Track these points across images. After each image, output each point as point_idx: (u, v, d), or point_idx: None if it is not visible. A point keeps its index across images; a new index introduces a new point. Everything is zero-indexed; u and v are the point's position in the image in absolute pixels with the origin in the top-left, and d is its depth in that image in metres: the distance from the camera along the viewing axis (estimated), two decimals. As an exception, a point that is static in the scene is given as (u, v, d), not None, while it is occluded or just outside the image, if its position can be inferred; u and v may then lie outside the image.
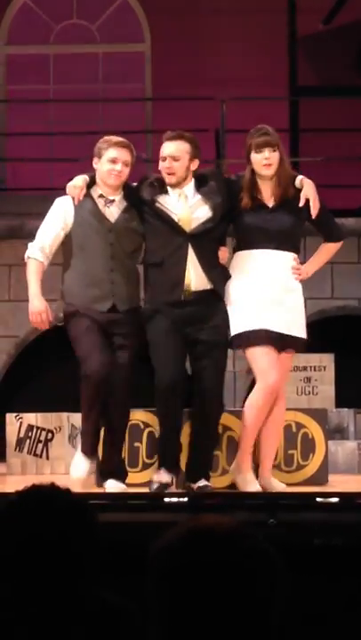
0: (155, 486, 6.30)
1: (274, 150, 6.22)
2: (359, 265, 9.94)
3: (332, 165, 11.24)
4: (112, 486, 6.31)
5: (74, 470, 6.30)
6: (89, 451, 6.31)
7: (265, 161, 6.20)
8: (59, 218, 6.32)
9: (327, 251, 6.54)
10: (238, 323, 6.25)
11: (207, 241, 6.29)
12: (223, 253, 6.40)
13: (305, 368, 8.35)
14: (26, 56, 12.84)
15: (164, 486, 6.27)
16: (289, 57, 11.75)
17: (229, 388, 8.15)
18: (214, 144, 10.59)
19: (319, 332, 9.28)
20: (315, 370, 8.41)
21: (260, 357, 6.23)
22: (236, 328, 6.25)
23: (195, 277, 6.25)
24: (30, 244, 6.30)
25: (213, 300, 6.31)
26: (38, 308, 6.21)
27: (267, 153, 6.20)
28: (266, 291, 6.22)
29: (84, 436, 6.38)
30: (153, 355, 6.32)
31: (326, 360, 8.50)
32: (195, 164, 6.31)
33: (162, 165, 6.28)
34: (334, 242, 6.51)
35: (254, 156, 6.21)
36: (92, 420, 6.30)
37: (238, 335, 6.25)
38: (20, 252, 6.44)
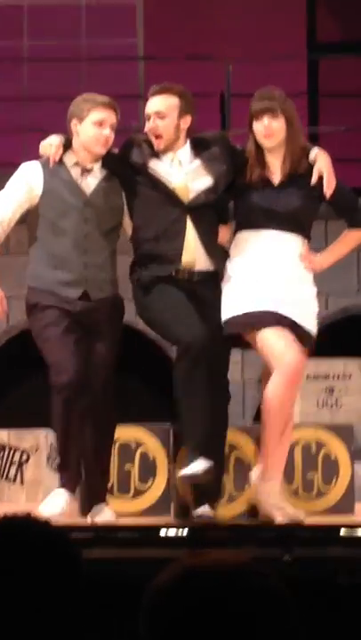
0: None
1: (276, 117, 6.19)
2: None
3: (357, 135, 11.26)
4: (100, 516, 6.32)
5: (46, 505, 6.24)
6: (69, 484, 6.30)
7: (265, 130, 6.19)
8: (23, 186, 6.31)
9: (349, 239, 6.53)
10: (238, 305, 6.21)
11: (208, 213, 6.32)
12: (224, 233, 6.42)
13: (327, 377, 8.37)
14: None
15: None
16: (307, 9, 11.78)
17: (237, 399, 8.16)
18: (219, 111, 10.62)
19: (343, 333, 9.33)
20: (338, 378, 8.44)
21: (272, 338, 6.17)
22: (235, 310, 6.22)
23: (194, 256, 6.25)
24: None
25: (212, 280, 6.32)
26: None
27: (266, 120, 6.18)
28: (269, 273, 6.21)
29: (62, 466, 6.38)
30: (162, 320, 6.31)
31: (352, 367, 8.53)
32: (186, 122, 6.30)
33: (147, 126, 6.27)
34: (357, 228, 6.50)
35: (255, 125, 6.22)
36: (68, 444, 6.28)
37: (238, 317, 6.21)
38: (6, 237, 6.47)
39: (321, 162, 6.27)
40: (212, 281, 6.32)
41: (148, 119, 6.26)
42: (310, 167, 6.28)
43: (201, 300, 6.26)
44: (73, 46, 12.63)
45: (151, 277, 6.27)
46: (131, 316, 6.56)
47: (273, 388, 6.15)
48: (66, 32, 12.71)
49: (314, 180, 6.25)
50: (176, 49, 11.49)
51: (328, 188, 6.26)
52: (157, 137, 6.24)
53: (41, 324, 6.25)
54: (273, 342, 6.17)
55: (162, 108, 6.24)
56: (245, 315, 6.20)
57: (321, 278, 6.43)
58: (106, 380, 6.25)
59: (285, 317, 6.15)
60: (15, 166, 6.48)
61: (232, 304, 6.23)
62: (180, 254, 6.23)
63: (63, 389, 6.11)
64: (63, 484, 6.28)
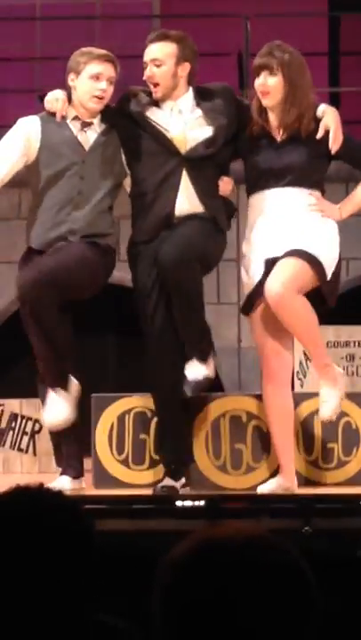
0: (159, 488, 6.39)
1: (273, 74, 6.16)
2: None
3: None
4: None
5: (49, 414, 6.31)
6: (57, 382, 6.31)
7: (260, 87, 6.18)
8: (21, 140, 6.31)
9: None
10: (248, 283, 6.36)
11: (206, 167, 6.30)
12: (226, 184, 6.41)
13: (347, 343, 8.36)
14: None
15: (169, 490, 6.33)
16: None
17: (251, 366, 8.15)
18: (237, 70, 10.60)
19: (359, 298, 9.33)
20: (359, 346, 8.43)
21: (256, 326, 6.38)
22: (245, 289, 6.39)
23: (187, 206, 6.23)
24: None
25: (207, 223, 6.29)
26: None
27: (262, 78, 6.17)
28: (274, 236, 6.23)
29: (46, 369, 6.38)
30: (140, 307, 6.34)
31: (373, 334, 8.53)
32: (184, 69, 6.28)
33: (145, 74, 6.26)
34: None
35: (255, 82, 6.21)
36: (44, 348, 6.31)
37: (249, 297, 6.36)
38: (1, 202, 6.47)
39: (328, 117, 6.26)
40: (204, 222, 6.31)
41: (146, 67, 6.24)
42: (316, 125, 6.26)
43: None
44: (87, 5, 12.61)
45: (137, 248, 6.36)
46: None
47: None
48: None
49: (320, 134, 6.23)
50: (192, 6, 11.45)
51: (334, 143, 6.25)
52: (155, 85, 6.23)
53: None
54: (257, 333, 6.40)
55: (158, 55, 6.24)
56: (248, 294, 6.35)
57: (341, 244, 6.42)
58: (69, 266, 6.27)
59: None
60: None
61: (247, 282, 6.38)
62: (173, 209, 6.23)
63: (24, 294, 6.23)
64: (51, 384, 6.31)
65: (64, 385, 6.26)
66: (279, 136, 6.25)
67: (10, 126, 6.47)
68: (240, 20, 10.36)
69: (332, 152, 6.28)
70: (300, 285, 6.14)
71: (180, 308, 6.23)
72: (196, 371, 6.22)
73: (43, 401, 6.36)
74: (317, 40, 10.99)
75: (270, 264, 6.19)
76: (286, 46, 6.28)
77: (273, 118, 6.25)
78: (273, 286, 6.12)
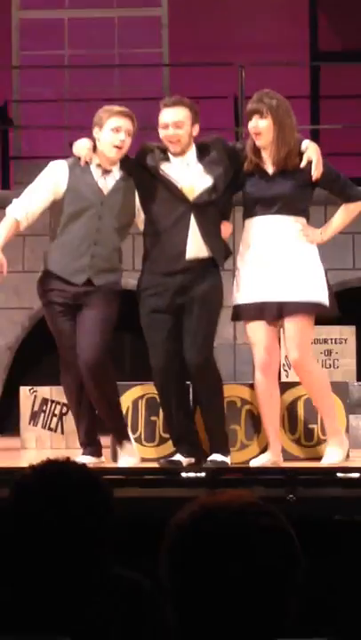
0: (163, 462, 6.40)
1: (263, 117, 6.14)
2: (381, 235, 9.93)
3: (354, 133, 11.21)
4: (126, 460, 6.37)
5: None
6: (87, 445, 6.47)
7: (253, 129, 6.16)
8: (50, 182, 6.30)
9: (345, 212, 6.45)
10: (236, 295, 6.32)
11: (210, 211, 6.27)
12: (227, 229, 6.40)
13: (325, 341, 8.36)
14: (39, 21, 12.82)
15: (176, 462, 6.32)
16: (310, 21, 11.70)
17: (246, 360, 8.13)
18: (233, 111, 10.58)
19: (341, 303, 9.30)
20: (336, 342, 8.42)
21: (251, 333, 6.33)
22: (234, 300, 6.34)
23: (194, 246, 6.23)
24: (15, 200, 6.29)
25: (209, 268, 6.30)
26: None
27: (254, 121, 6.16)
28: (264, 257, 6.21)
29: (79, 432, 6.54)
30: (146, 337, 6.35)
31: (347, 332, 8.51)
32: (196, 130, 6.28)
33: (165, 133, 6.24)
34: (353, 202, 6.43)
35: (249, 125, 6.21)
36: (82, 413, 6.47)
37: (235, 307, 6.34)
38: (35, 222, 6.45)
39: (310, 151, 6.25)
40: (207, 265, 6.31)
41: (166, 127, 6.21)
42: (300, 156, 6.25)
43: (191, 289, 6.29)
44: (107, 55, 12.59)
45: (149, 280, 6.35)
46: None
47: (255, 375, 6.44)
48: (101, 43, 12.67)
49: (303, 164, 6.21)
50: (195, 57, 11.43)
51: (316, 171, 6.22)
52: (175, 143, 6.21)
53: (49, 314, 6.41)
54: (251, 337, 6.37)
55: (180, 117, 6.21)
56: (241, 305, 6.31)
57: (322, 257, 6.40)
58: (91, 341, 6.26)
59: (270, 302, 6.21)
60: (57, 158, 6.47)
61: (234, 295, 6.35)
62: (185, 247, 6.21)
63: (70, 370, 6.40)
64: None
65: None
66: (270, 169, 6.23)
67: (40, 157, 6.47)
68: (236, 68, 10.34)
69: (314, 180, 6.26)
70: (311, 336, 6.32)
71: (205, 394, 6.46)
72: (218, 460, 6.28)
73: None
74: (301, 86, 10.98)
75: (264, 307, 6.22)
76: (274, 93, 6.27)
77: (265, 155, 6.23)
78: (292, 354, 6.31)
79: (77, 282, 6.23)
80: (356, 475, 5.76)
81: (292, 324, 6.22)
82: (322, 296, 6.29)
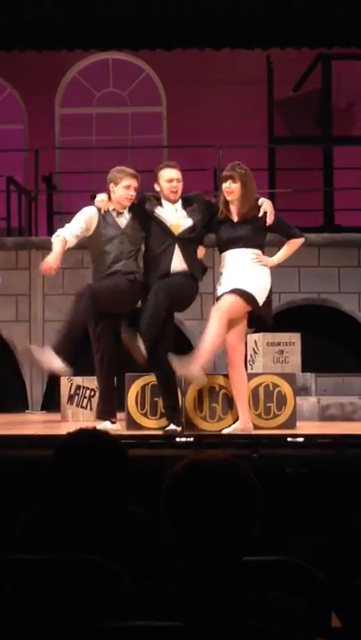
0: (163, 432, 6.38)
1: (234, 182, 6.19)
2: (318, 268, 9.91)
3: (299, 195, 11.23)
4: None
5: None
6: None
7: (227, 189, 6.21)
8: (86, 218, 6.30)
9: (289, 246, 6.47)
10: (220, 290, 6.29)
11: (189, 243, 6.27)
12: (201, 251, 6.44)
13: (279, 344, 8.34)
14: (75, 115, 12.84)
15: (171, 433, 6.31)
16: (268, 115, 11.71)
17: (222, 356, 8.11)
18: (213, 179, 10.58)
19: (289, 317, 9.30)
20: (286, 345, 8.40)
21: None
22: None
23: (176, 267, 6.24)
24: (61, 229, 6.32)
25: (189, 277, 6.29)
26: (55, 264, 6.17)
27: (228, 184, 6.19)
28: (234, 273, 6.22)
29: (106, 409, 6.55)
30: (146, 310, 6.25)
31: (295, 337, 8.49)
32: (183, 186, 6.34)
33: (170, 186, 6.23)
34: (293, 238, 6.45)
35: (223, 186, 6.24)
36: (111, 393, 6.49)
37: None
38: (71, 257, 6.46)
39: (265, 205, 6.28)
40: (187, 275, 6.28)
41: (171, 182, 6.21)
42: (258, 209, 6.28)
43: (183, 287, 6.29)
44: (123, 140, 12.60)
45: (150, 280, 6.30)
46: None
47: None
48: (119, 131, 12.70)
49: (260, 214, 6.25)
50: (186, 140, 11.44)
51: (269, 219, 6.25)
52: (176, 193, 6.24)
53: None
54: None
55: (180, 176, 6.26)
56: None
57: (275, 284, 6.42)
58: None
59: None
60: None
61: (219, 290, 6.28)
62: (169, 268, 6.22)
63: (105, 361, 6.41)
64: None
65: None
66: (236, 218, 6.26)
67: (73, 212, 6.49)
68: (215, 149, 10.34)
69: (268, 225, 6.29)
70: (231, 309, 6.15)
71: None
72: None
73: None
74: (261, 161, 10.97)
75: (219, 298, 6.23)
76: (242, 165, 6.30)
77: (233, 208, 6.24)
78: (212, 310, 6.23)
79: None
80: (300, 439, 5.75)
81: (222, 296, 6.24)
82: (256, 294, 6.23)
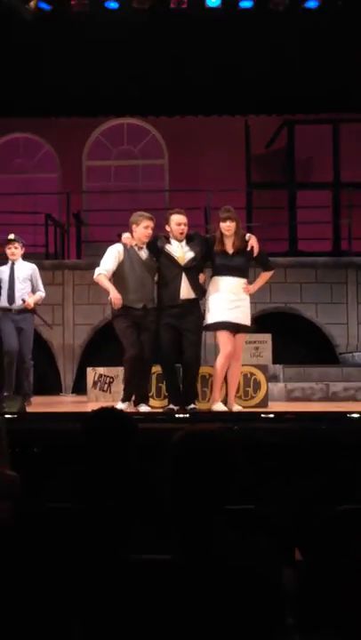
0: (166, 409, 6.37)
1: (232, 221, 6.19)
2: (285, 284, 9.93)
3: (271, 228, 11.24)
4: (144, 408, 6.32)
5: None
6: (127, 398, 6.34)
7: (227, 227, 6.19)
8: (115, 255, 6.28)
9: (263, 277, 6.50)
10: (211, 317, 6.24)
11: (192, 271, 6.26)
12: (202, 277, 6.41)
13: (255, 342, 8.35)
14: (98, 166, 12.84)
15: (171, 410, 6.30)
16: (246, 166, 11.73)
17: (210, 352, 8.12)
18: (204, 215, 10.59)
19: (262, 321, 9.31)
20: (260, 343, 8.41)
21: (220, 337, 6.25)
22: (209, 320, 6.25)
23: (185, 291, 6.23)
24: (98, 268, 6.31)
25: (194, 304, 6.30)
26: (115, 295, 6.17)
27: (228, 223, 6.18)
28: (227, 298, 6.20)
29: (125, 390, 6.39)
30: (160, 336, 6.30)
31: (266, 337, 8.50)
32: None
33: (179, 229, 6.26)
34: (268, 271, 6.46)
35: (222, 225, 6.22)
36: (130, 383, 6.33)
37: (212, 324, 6.26)
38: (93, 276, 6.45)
39: (252, 241, 6.28)
40: (193, 303, 6.30)
41: (180, 225, 6.25)
42: (246, 244, 6.25)
43: (185, 316, 6.28)
44: (134, 185, 12.61)
45: (161, 310, 6.30)
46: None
47: (218, 361, 6.30)
48: (131, 179, 12.70)
49: (248, 248, 6.23)
50: (183, 185, 11.45)
51: (255, 252, 6.24)
52: (183, 233, 6.25)
53: (120, 325, 6.28)
54: (221, 339, 6.25)
55: (186, 220, 6.28)
56: (214, 322, 6.23)
57: (251, 296, 6.42)
58: (149, 348, 6.31)
59: (231, 323, 6.18)
60: (107, 242, 6.48)
61: (209, 317, 6.24)
62: (177, 294, 6.22)
63: (131, 359, 6.22)
64: (123, 399, 6.34)
65: (129, 398, 6.40)
66: (230, 250, 6.25)
67: (96, 241, 6.51)
68: (206, 192, 10.35)
69: (254, 257, 6.28)
70: (228, 357, 6.24)
71: (193, 371, 6.39)
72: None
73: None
74: (241, 201, 10.99)
75: (229, 324, 6.19)
76: (232, 209, 6.31)
77: (228, 242, 6.24)
78: (237, 350, 6.30)
79: (138, 307, 6.24)
80: (271, 415, 5.75)
81: (240, 335, 6.27)
82: (250, 321, 6.33)
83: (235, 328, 6.22)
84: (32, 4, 9.01)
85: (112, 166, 12.90)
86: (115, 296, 6.16)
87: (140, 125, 12.74)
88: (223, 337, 6.23)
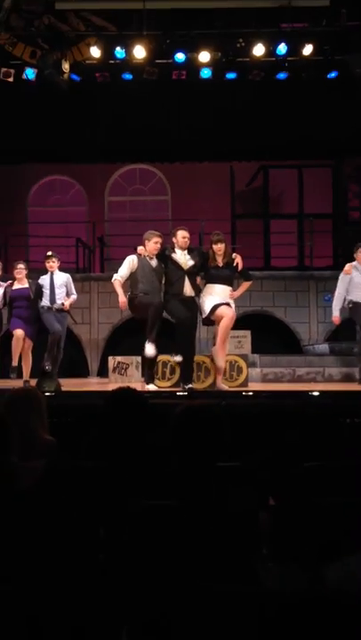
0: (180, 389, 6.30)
1: (222, 243, 6.18)
2: (261, 292, 9.94)
3: (250, 248, 11.20)
4: (152, 387, 6.26)
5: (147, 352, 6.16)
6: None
7: (218, 248, 6.18)
8: (130, 264, 6.24)
9: (245, 285, 6.47)
10: (207, 308, 6.20)
11: (192, 274, 6.22)
12: (200, 282, 6.36)
13: (237, 336, 8.34)
14: (116, 201, 12.81)
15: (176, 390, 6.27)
16: (231, 201, 11.72)
17: (205, 345, 8.10)
18: (198, 238, 10.59)
19: (244, 321, 9.30)
20: (242, 337, 8.39)
21: (218, 311, 6.15)
22: (207, 310, 6.21)
23: (187, 289, 6.18)
24: (115, 274, 6.27)
25: (193, 301, 6.24)
26: (122, 300, 6.15)
27: (218, 245, 6.17)
28: (217, 299, 6.17)
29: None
30: (175, 314, 6.17)
31: (247, 333, 8.48)
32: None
33: (184, 240, 6.21)
34: (248, 281, 6.44)
35: (214, 246, 6.21)
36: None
37: (209, 312, 6.20)
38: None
39: (237, 258, 6.27)
40: (193, 299, 6.24)
41: (184, 238, 6.21)
42: (233, 260, 6.24)
43: (190, 306, 6.20)
44: (144, 216, 12.57)
45: (169, 297, 6.21)
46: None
47: (220, 330, 6.18)
48: (141, 211, 12.66)
49: (235, 263, 6.22)
50: (183, 216, 11.43)
51: (240, 267, 6.23)
52: (186, 244, 6.21)
53: (137, 309, 6.23)
54: (219, 313, 6.15)
55: (189, 235, 6.24)
56: (210, 311, 6.18)
57: (236, 301, 6.41)
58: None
59: (221, 303, 6.14)
60: (122, 259, 6.46)
61: (205, 309, 6.19)
62: (182, 290, 6.16)
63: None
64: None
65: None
66: (220, 264, 6.25)
67: (116, 258, 6.47)
68: (199, 223, 10.34)
69: (238, 271, 6.27)
70: (233, 317, 6.17)
71: (190, 351, 6.24)
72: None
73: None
74: (227, 229, 10.97)
75: (218, 305, 6.12)
76: (221, 233, 6.32)
77: (219, 258, 6.22)
78: (230, 315, 6.14)
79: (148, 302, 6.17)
80: (251, 393, 5.75)
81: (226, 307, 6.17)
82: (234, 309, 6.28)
83: (226, 303, 6.19)
84: (65, 76, 9.04)
85: (127, 201, 12.87)
86: (121, 300, 6.16)
87: (149, 169, 12.71)
88: (221, 310, 6.17)
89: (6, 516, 1.86)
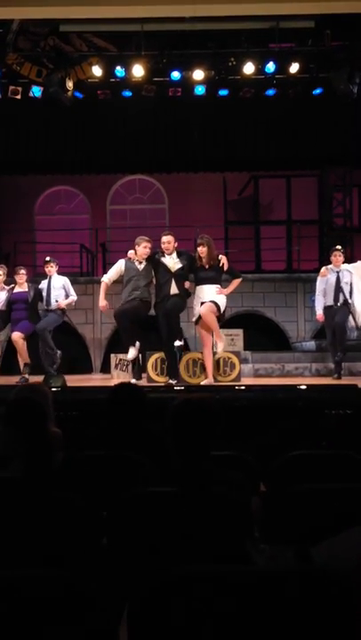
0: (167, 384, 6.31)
1: (204, 246, 6.16)
2: (252, 293, 9.92)
3: (242, 252, 11.21)
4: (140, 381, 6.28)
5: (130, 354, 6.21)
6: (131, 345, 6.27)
7: (201, 251, 6.19)
8: (119, 267, 6.27)
9: (235, 282, 6.44)
10: (195, 314, 6.22)
11: (180, 277, 6.21)
12: (187, 284, 6.35)
13: (230, 335, 8.33)
14: (118, 209, 12.79)
15: (171, 384, 6.25)
16: (224, 209, 11.73)
17: (198, 342, 8.09)
18: (193, 244, 10.55)
19: (236, 320, 9.30)
20: (235, 335, 8.39)
21: (202, 322, 6.18)
22: (194, 316, 6.23)
23: (173, 290, 6.16)
24: (105, 274, 6.31)
25: (178, 297, 6.21)
26: (102, 303, 6.22)
27: (200, 248, 6.17)
28: (205, 298, 6.17)
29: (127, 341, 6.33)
30: (157, 312, 6.19)
31: (239, 332, 8.48)
32: (176, 245, 6.23)
33: (163, 246, 6.20)
34: (237, 278, 6.41)
35: (198, 249, 6.21)
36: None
37: (195, 321, 6.23)
38: (116, 287, 6.41)
39: (223, 259, 6.25)
40: (179, 297, 6.21)
41: (163, 243, 6.20)
42: (219, 261, 6.23)
43: (172, 302, 6.19)
44: (143, 223, 12.55)
45: (158, 299, 6.22)
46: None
47: (202, 328, 6.20)
48: (140, 218, 12.64)
49: (220, 264, 6.22)
50: (179, 223, 11.42)
51: (226, 267, 6.22)
52: (167, 249, 6.18)
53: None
54: (203, 323, 6.18)
55: (169, 239, 6.21)
56: (196, 321, 6.22)
57: (229, 302, 6.40)
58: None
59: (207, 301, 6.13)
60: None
61: (195, 312, 6.21)
62: (169, 291, 6.15)
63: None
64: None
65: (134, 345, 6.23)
66: (207, 266, 6.25)
67: (113, 262, 6.47)
68: (194, 229, 10.32)
69: (225, 270, 6.25)
70: (212, 311, 6.10)
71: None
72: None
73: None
74: (220, 235, 10.96)
75: (202, 304, 6.14)
76: (207, 236, 6.32)
77: (204, 260, 6.22)
78: (204, 311, 6.10)
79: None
80: (243, 387, 5.75)
81: (206, 304, 6.14)
82: (221, 306, 6.24)
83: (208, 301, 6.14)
84: (69, 93, 9.06)
85: (128, 209, 12.85)
86: (101, 304, 6.21)
87: (147, 180, 12.69)
88: (201, 311, 6.17)
89: (40, 488, 1.83)
